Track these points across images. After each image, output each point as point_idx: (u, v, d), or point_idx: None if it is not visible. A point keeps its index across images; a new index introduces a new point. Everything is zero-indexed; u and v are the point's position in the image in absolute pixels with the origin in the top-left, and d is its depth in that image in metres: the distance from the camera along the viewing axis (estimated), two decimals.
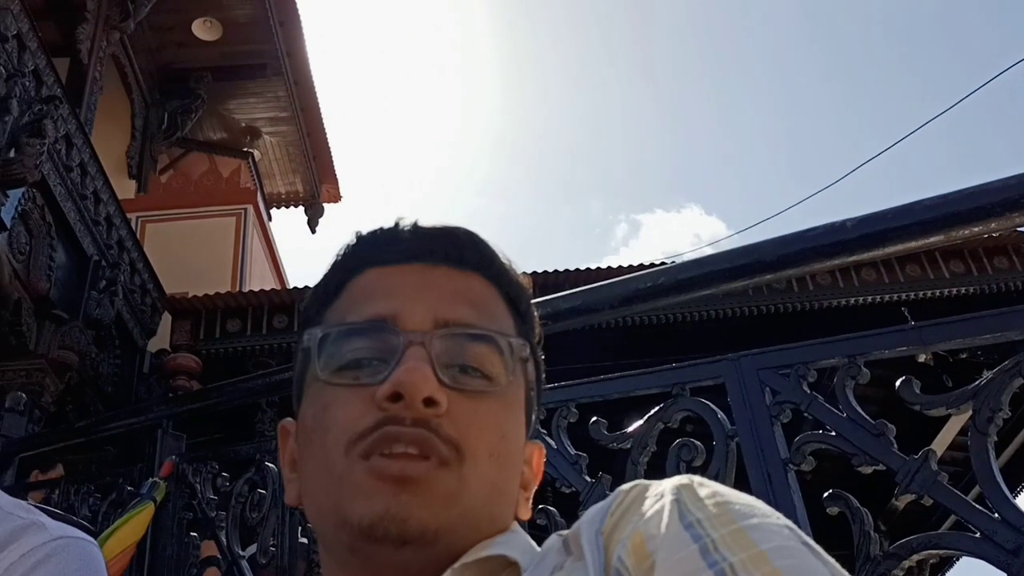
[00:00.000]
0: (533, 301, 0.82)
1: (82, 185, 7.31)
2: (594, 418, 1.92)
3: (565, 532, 0.67)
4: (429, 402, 0.65)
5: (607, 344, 7.46)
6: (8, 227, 6.01)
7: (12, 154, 6.00)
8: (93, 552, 0.98)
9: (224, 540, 2.49)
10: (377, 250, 0.76)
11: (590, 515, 0.63)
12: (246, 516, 2.47)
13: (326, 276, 0.79)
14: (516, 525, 0.73)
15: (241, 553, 2.47)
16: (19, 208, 6.23)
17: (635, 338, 7.79)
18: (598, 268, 8.64)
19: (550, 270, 8.49)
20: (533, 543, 0.71)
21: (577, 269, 8.50)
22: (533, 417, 0.77)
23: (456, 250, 0.75)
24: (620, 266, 8.64)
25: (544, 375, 0.81)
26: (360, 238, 0.78)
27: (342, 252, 0.78)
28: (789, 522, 0.55)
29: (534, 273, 8.10)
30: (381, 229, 0.78)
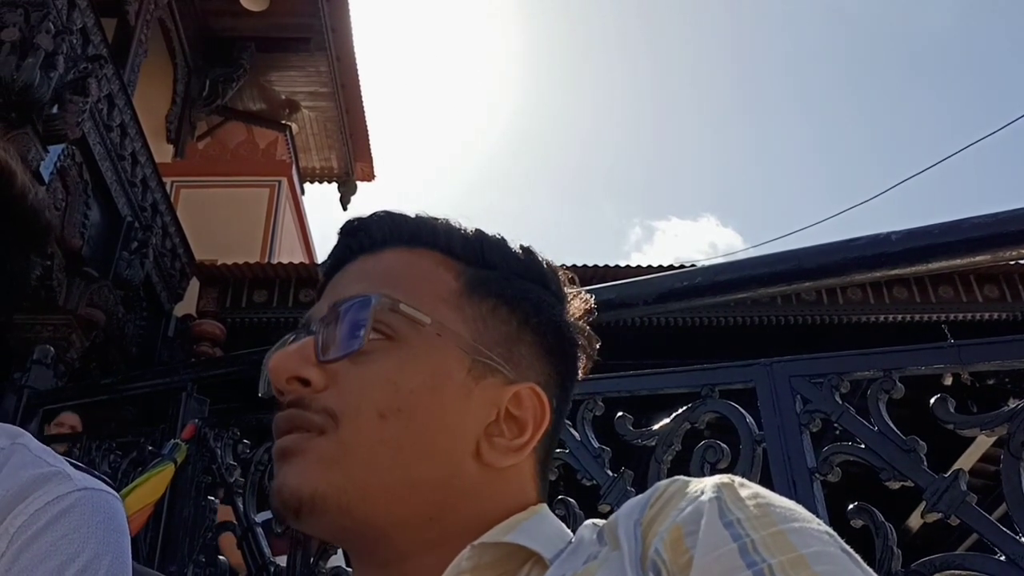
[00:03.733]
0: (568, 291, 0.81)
1: (121, 146, 7.37)
2: (620, 413, 1.92)
3: (601, 522, 0.67)
4: (304, 382, 0.68)
5: (630, 342, 7.44)
6: (46, 182, 6.06)
7: (55, 110, 6.05)
8: (116, 505, 0.98)
9: (241, 506, 2.51)
10: (328, 261, 0.80)
11: (628, 507, 0.63)
12: (265, 484, 2.48)
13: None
14: (544, 508, 0.72)
15: (256, 520, 2.48)
16: (58, 164, 6.28)
17: (659, 339, 7.77)
18: (627, 266, 8.61)
19: (579, 264, 8.46)
20: (563, 527, 0.71)
21: (607, 265, 8.46)
22: (494, 359, 0.71)
23: (367, 237, 0.77)
24: (650, 265, 8.61)
25: (540, 310, 0.76)
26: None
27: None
28: (829, 528, 0.55)
29: (562, 266, 8.04)
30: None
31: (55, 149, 6.17)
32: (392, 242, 0.76)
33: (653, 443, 1.85)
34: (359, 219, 0.78)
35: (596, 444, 1.91)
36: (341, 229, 0.79)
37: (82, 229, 6.81)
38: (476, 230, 0.78)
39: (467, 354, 0.70)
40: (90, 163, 6.85)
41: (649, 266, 8.50)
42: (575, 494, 1.86)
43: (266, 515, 2.50)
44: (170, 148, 11.02)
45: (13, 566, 0.86)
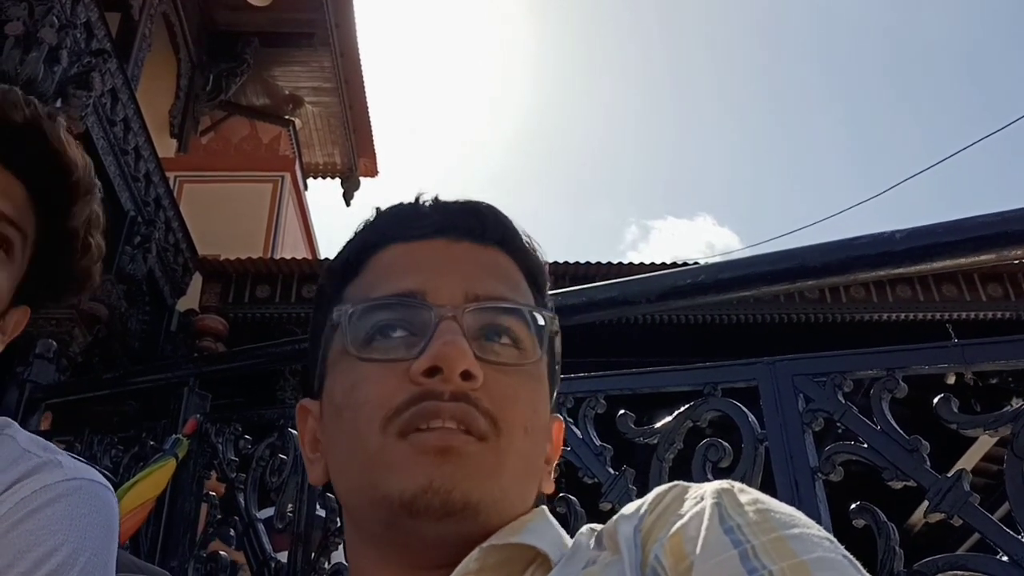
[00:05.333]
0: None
1: (124, 140, 7.36)
2: (622, 411, 1.91)
3: (598, 527, 0.67)
4: (466, 376, 0.65)
5: (632, 339, 7.44)
6: None
7: (58, 104, 6.05)
8: (107, 497, 0.95)
9: (242, 502, 2.51)
10: (399, 226, 0.76)
11: (626, 512, 0.63)
12: (266, 480, 2.48)
13: (346, 252, 0.78)
14: (545, 511, 0.72)
15: (258, 516, 2.48)
16: None
17: (661, 336, 7.76)
18: (630, 263, 8.60)
19: (581, 261, 8.45)
20: (563, 532, 0.71)
21: (608, 263, 8.45)
22: (555, 391, 0.76)
23: (479, 225, 0.75)
24: (652, 263, 8.59)
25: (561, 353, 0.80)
26: (381, 213, 0.78)
27: (362, 228, 0.78)
28: (829, 534, 0.55)
29: (566, 263, 8.06)
30: (402, 204, 0.77)
31: None
32: (499, 244, 0.75)
33: (655, 441, 1.85)
34: (466, 202, 0.76)
35: (598, 442, 1.91)
36: (443, 205, 0.76)
37: None
38: (540, 259, 0.79)
39: (549, 383, 0.75)
40: (93, 157, 6.75)
41: (652, 263, 8.48)
42: (576, 492, 1.85)
43: (266, 512, 2.50)
44: (173, 143, 11.01)
45: None
